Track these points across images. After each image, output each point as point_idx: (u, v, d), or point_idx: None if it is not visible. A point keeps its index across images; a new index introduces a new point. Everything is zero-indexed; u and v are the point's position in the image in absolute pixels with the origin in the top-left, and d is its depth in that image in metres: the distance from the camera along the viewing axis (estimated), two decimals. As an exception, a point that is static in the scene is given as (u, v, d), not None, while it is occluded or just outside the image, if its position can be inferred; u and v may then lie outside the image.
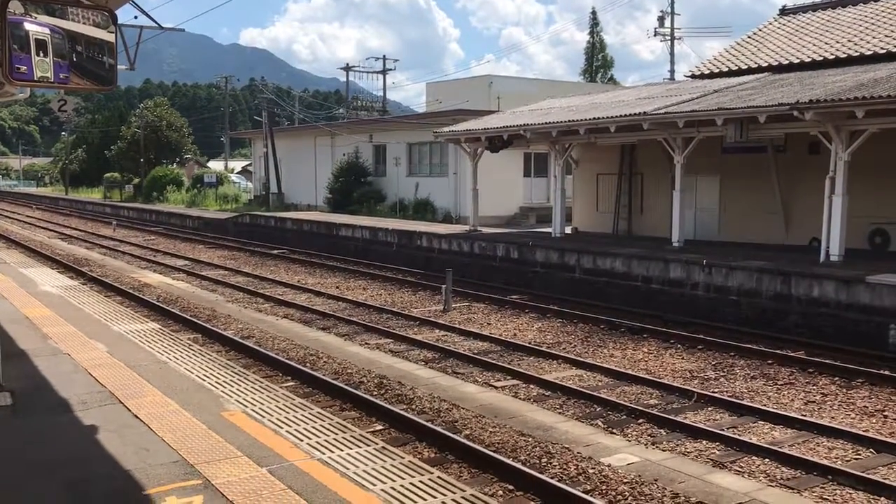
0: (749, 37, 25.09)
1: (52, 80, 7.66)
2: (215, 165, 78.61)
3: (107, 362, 8.92)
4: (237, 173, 71.92)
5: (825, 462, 8.13)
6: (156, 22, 17.04)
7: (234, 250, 30.13)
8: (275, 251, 28.99)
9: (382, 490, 5.42)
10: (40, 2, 7.49)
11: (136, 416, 6.92)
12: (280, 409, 7.34)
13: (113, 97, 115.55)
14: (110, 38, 7.83)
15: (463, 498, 5.40)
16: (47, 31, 7.35)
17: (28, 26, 7.26)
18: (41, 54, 7.38)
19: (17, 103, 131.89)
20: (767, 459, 8.24)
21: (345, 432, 6.70)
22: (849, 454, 8.51)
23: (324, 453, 6.11)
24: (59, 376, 8.27)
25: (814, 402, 10.50)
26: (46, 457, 5.98)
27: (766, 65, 22.28)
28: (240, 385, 8.17)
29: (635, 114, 19.16)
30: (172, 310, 16.31)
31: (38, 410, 7.16)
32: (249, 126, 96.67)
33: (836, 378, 11.56)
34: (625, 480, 7.57)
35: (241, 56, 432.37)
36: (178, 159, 68.78)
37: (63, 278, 18.06)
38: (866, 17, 21.86)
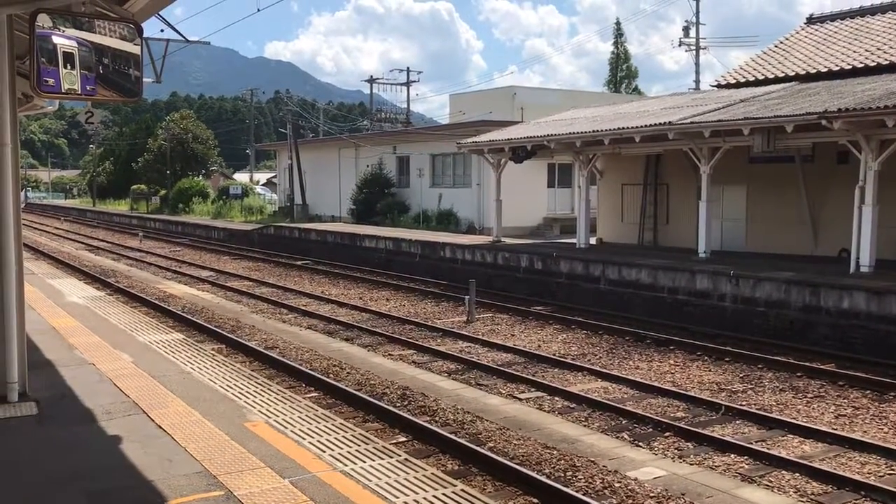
0: (776, 46, 24.86)
1: (79, 93, 7.75)
2: (241, 177, 79.21)
3: (131, 372, 8.95)
4: (262, 185, 72.42)
5: (857, 477, 7.95)
6: (182, 35, 17.25)
7: (259, 261, 30.28)
8: (299, 262, 29.10)
9: (405, 503, 5.36)
10: (68, 14, 7.58)
11: (160, 427, 6.91)
12: (303, 419, 7.31)
13: (140, 110, 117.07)
14: (136, 50, 7.90)
15: (487, 511, 5.32)
16: (75, 44, 7.43)
17: (56, 39, 7.35)
18: (68, 67, 7.46)
19: (46, 116, 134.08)
20: (798, 474, 8.07)
21: (367, 444, 6.65)
22: (882, 469, 8.32)
23: (346, 465, 6.06)
24: (84, 386, 8.30)
25: (845, 415, 10.30)
26: (70, 467, 5.99)
27: (793, 74, 22.05)
28: (263, 396, 8.15)
29: (660, 123, 19.02)
30: (197, 320, 16.39)
31: (63, 420, 7.18)
32: (274, 138, 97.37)
33: (868, 391, 11.34)
34: (651, 494, 7.45)
35: (266, 69, 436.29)
36: (203, 171, 69.38)
37: (90, 289, 18.21)
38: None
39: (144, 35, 8.25)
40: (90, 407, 7.53)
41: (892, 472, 8.26)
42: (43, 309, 13.69)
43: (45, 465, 6.04)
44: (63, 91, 7.58)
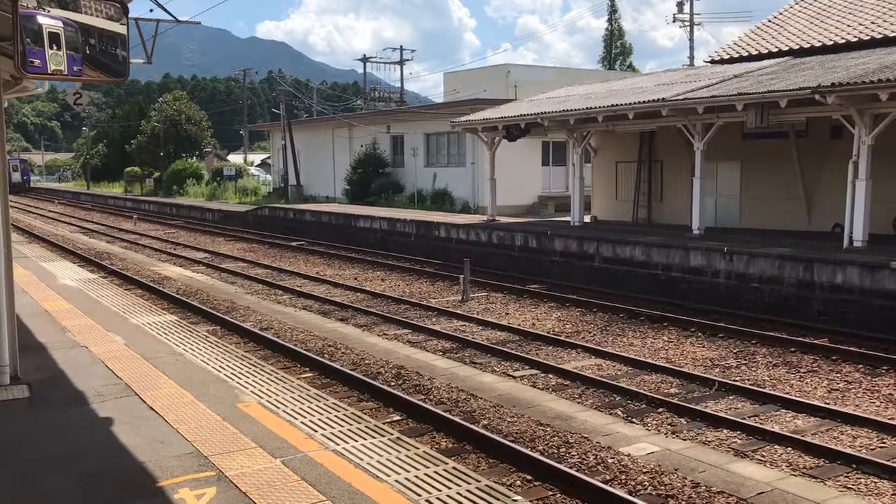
0: (769, 21, 24.74)
1: (65, 73, 7.66)
2: (234, 158, 78.91)
3: (124, 354, 8.94)
4: (256, 166, 72.16)
5: (849, 451, 7.99)
6: (171, 15, 16.99)
7: (254, 242, 30.22)
8: (294, 243, 29.04)
9: (396, 481, 5.37)
10: (52, -7, 7.48)
11: (152, 408, 6.91)
12: (296, 399, 7.31)
13: (133, 92, 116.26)
14: (123, 30, 7.82)
15: (478, 488, 5.33)
16: (60, 24, 7.34)
17: (41, 20, 7.25)
18: (55, 47, 7.37)
19: (37, 99, 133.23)
20: (790, 448, 8.12)
21: (360, 423, 6.65)
22: (874, 442, 8.36)
23: (338, 444, 6.06)
24: (77, 368, 8.29)
25: (837, 389, 10.34)
26: (61, 449, 5.99)
27: (786, 49, 21.97)
28: (256, 376, 8.15)
29: (654, 100, 18.95)
30: (191, 302, 16.36)
31: (55, 402, 7.17)
32: (268, 119, 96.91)
33: (861, 365, 11.38)
34: (644, 470, 7.48)
35: (259, 49, 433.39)
36: (197, 153, 69.04)
37: (83, 272, 18.16)
38: (890, -2, 21.48)
39: (134, 15, 8.16)
40: (82, 389, 7.52)
41: (883, 445, 8.30)
42: (35, 292, 13.65)
43: (36, 447, 6.04)
44: (49, 72, 7.49)
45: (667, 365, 11.40)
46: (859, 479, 7.39)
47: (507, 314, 15.68)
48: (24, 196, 69.08)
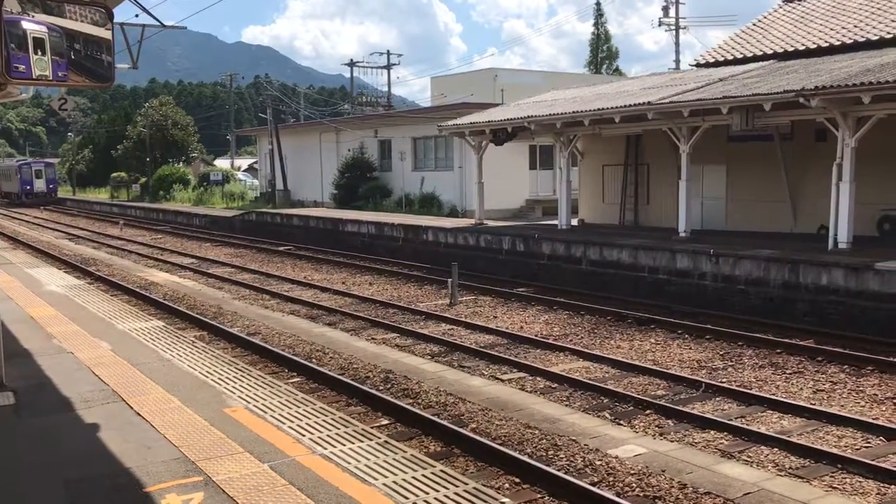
0: (754, 24, 24.90)
1: (50, 79, 7.61)
2: (221, 163, 78.66)
3: (110, 360, 8.90)
4: (243, 171, 71.95)
5: (835, 451, 8.04)
6: (157, 20, 16.99)
7: (241, 248, 30.13)
8: (281, 248, 28.99)
9: (384, 484, 5.37)
10: (36, -1, 7.46)
11: (139, 414, 6.89)
12: (283, 404, 7.30)
13: (119, 97, 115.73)
14: (108, 35, 7.79)
15: (466, 491, 5.34)
16: (45, 29, 7.31)
17: (26, 25, 7.22)
18: (39, 53, 7.33)
19: (22, 104, 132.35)
20: (776, 449, 8.16)
21: (347, 427, 6.65)
22: (859, 442, 8.42)
23: (326, 448, 6.06)
24: (63, 375, 8.24)
25: (823, 390, 10.41)
26: (47, 456, 5.96)
27: (771, 52, 22.10)
28: (243, 381, 8.13)
29: (640, 104, 19.04)
30: (178, 307, 16.30)
31: (41, 409, 7.14)
32: (255, 124, 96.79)
33: (846, 366, 11.46)
34: (632, 472, 7.51)
35: (245, 54, 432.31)
36: (184, 158, 68.77)
37: (69, 278, 18.06)
38: (872, 2, 21.65)
39: (119, 20, 8.16)
40: (68, 395, 7.49)
41: (868, 444, 8.36)
42: (20, 298, 13.57)
43: (22, 454, 6.01)
44: (34, 77, 7.44)
45: (654, 367, 11.44)
46: (844, 478, 7.44)
47: (496, 318, 15.70)
48: (31, 207, 61.10)
